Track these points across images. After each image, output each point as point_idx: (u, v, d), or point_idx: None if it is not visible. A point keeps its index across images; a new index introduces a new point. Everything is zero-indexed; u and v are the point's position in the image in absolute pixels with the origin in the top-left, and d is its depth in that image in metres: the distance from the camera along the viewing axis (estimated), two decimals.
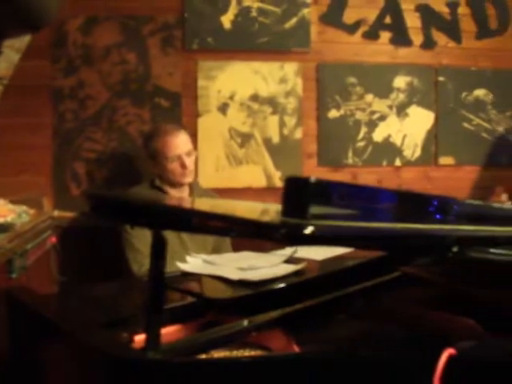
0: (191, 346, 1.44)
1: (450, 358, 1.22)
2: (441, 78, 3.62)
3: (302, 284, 1.83)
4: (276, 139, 3.39)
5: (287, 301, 1.68)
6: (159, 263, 1.22)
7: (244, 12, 3.35)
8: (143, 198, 2.23)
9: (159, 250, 1.20)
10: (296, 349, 1.46)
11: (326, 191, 0.92)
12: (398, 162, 3.56)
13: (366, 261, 1.89)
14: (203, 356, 1.44)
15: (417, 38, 3.60)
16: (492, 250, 1.59)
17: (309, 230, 0.84)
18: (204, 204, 2.03)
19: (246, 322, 1.57)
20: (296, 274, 1.92)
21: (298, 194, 0.88)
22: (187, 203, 2.08)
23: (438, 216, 1.24)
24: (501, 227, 1.46)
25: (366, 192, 1.06)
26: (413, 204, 1.16)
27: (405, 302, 1.80)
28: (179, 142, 2.84)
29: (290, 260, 2.03)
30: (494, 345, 1.49)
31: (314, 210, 0.87)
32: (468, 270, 1.68)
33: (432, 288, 1.84)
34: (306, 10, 3.41)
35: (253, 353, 1.52)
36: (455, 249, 1.28)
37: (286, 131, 3.40)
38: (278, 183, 3.37)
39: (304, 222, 0.85)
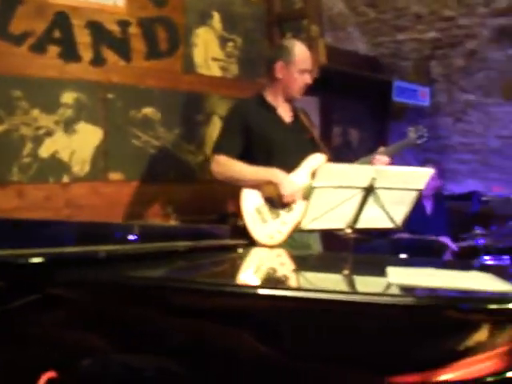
0: None
1: (49, 381, 1.27)
2: (110, 95, 3.70)
3: None
4: None
5: None
6: None
7: None
8: None
9: None
10: None
11: None
12: (66, 179, 3.52)
13: None
14: None
15: (86, 55, 3.61)
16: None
17: None
18: None
19: None
20: None
21: None
22: None
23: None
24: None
25: None
26: None
27: (49, 324, 1.81)
28: None
29: None
30: (117, 361, 1.59)
31: None
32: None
33: (79, 307, 1.87)
34: None
35: None
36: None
37: None
38: None
39: None
